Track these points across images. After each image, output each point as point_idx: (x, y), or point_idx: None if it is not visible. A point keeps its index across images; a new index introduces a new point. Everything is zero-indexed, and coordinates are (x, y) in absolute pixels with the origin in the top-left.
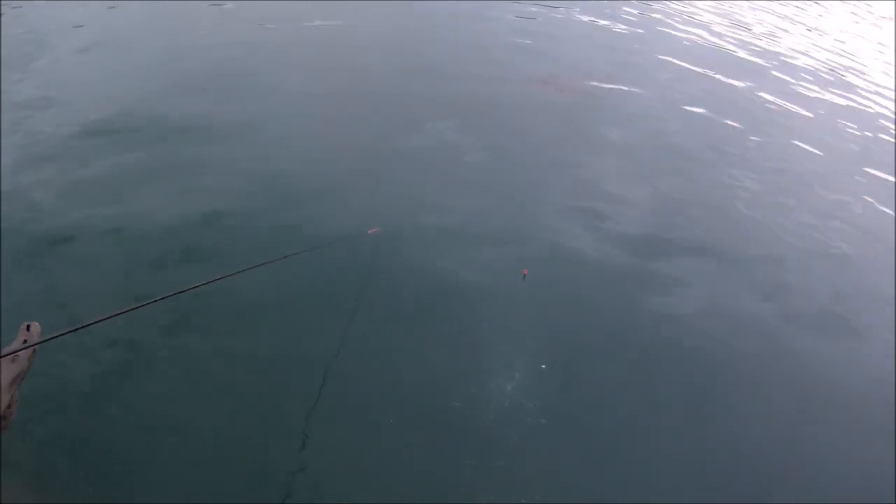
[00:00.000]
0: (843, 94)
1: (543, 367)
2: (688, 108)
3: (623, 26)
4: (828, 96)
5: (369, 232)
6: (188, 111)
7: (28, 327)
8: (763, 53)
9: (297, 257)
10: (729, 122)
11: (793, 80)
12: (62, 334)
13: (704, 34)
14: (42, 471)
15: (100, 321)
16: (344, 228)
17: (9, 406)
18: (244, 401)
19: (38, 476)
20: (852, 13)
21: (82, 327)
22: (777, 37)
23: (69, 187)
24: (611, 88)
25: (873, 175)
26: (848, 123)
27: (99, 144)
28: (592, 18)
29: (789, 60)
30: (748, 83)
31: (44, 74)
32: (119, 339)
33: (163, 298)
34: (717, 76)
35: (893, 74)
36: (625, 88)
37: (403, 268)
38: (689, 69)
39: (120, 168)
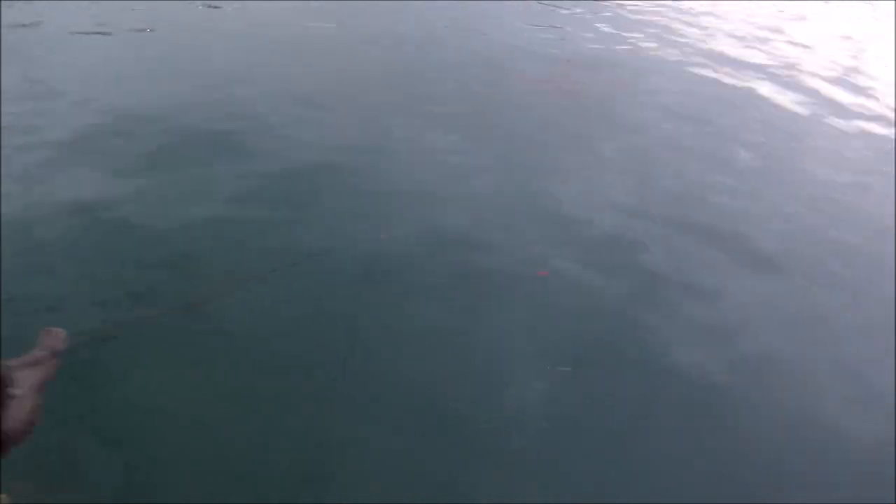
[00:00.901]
0: (844, 93)
1: (551, 368)
2: (688, 107)
3: (621, 25)
4: (827, 94)
5: (382, 237)
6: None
7: (50, 333)
8: (763, 53)
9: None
10: (727, 121)
11: (797, 78)
12: (88, 342)
13: (702, 34)
14: (42, 471)
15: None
16: (348, 234)
17: (32, 412)
18: (249, 402)
19: (38, 476)
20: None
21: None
22: (782, 31)
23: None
24: (612, 87)
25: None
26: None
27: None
28: (589, 15)
29: (791, 58)
30: (748, 81)
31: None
32: (120, 340)
33: (169, 310)
34: (718, 74)
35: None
36: (626, 87)
37: (407, 272)
38: (687, 67)
39: (123, 174)
